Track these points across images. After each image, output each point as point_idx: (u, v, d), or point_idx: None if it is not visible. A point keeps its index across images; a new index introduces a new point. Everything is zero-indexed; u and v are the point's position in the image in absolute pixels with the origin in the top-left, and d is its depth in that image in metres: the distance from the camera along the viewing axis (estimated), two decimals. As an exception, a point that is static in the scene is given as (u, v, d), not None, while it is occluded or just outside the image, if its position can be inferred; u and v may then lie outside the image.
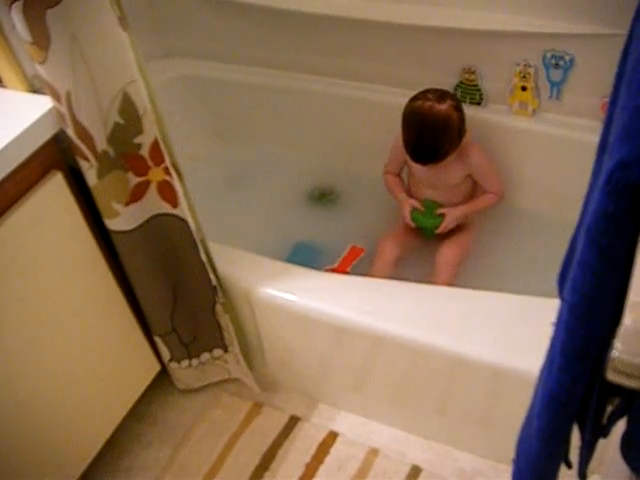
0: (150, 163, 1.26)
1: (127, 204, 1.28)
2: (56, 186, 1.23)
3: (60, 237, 1.27)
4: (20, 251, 1.19)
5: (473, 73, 1.76)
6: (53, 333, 1.31)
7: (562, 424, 0.72)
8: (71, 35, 1.06)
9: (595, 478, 1.25)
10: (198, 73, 2.17)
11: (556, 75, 1.66)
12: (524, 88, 1.71)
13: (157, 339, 1.55)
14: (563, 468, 0.81)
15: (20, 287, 1.21)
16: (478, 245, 1.84)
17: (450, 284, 1.72)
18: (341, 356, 1.51)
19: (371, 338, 1.40)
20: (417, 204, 1.80)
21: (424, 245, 1.85)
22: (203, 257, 1.41)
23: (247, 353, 1.62)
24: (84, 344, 1.40)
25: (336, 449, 1.57)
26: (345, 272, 1.80)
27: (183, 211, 1.34)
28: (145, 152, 1.24)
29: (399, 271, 1.79)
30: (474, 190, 1.83)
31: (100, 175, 1.23)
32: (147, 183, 1.28)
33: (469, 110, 1.71)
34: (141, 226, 1.33)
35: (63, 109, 1.14)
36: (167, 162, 1.28)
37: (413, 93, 1.69)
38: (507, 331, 1.29)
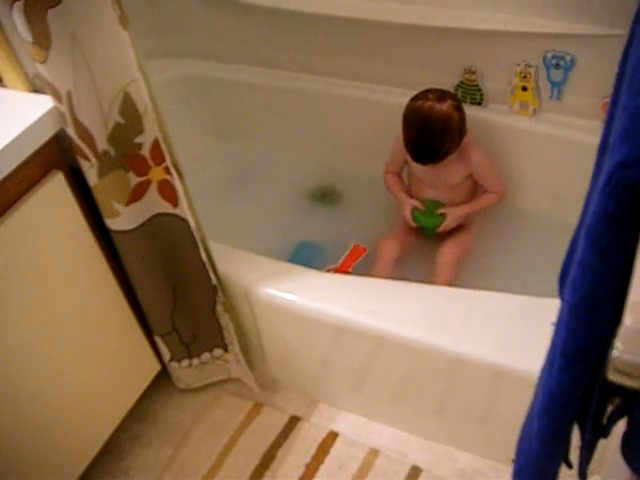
0: (151, 163, 1.26)
1: (128, 204, 1.28)
2: (57, 186, 1.23)
3: (61, 237, 1.27)
4: (20, 250, 1.19)
5: (474, 73, 1.76)
6: (53, 333, 1.31)
7: (562, 424, 0.72)
8: (72, 35, 1.06)
9: (595, 478, 1.25)
10: (198, 73, 2.17)
11: (557, 75, 1.66)
12: (525, 88, 1.71)
13: (157, 339, 1.55)
14: (563, 468, 0.81)
15: (20, 286, 1.21)
16: (478, 245, 1.84)
17: (450, 284, 1.72)
18: (341, 356, 1.51)
19: (371, 338, 1.40)
20: (418, 204, 1.80)
21: (424, 245, 1.85)
22: (203, 257, 1.41)
23: (247, 353, 1.62)
24: (84, 343, 1.40)
25: (336, 449, 1.57)
26: (347, 272, 1.80)
27: (183, 211, 1.34)
28: (146, 152, 1.24)
29: (399, 271, 1.79)
30: (475, 190, 1.83)
31: (101, 175, 1.23)
32: (148, 183, 1.28)
33: (470, 110, 1.71)
34: (142, 226, 1.33)
35: (64, 109, 1.14)
36: (168, 162, 1.28)
37: (414, 93, 1.69)
38: (507, 331, 1.29)
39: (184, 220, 1.35)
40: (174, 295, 1.47)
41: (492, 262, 1.80)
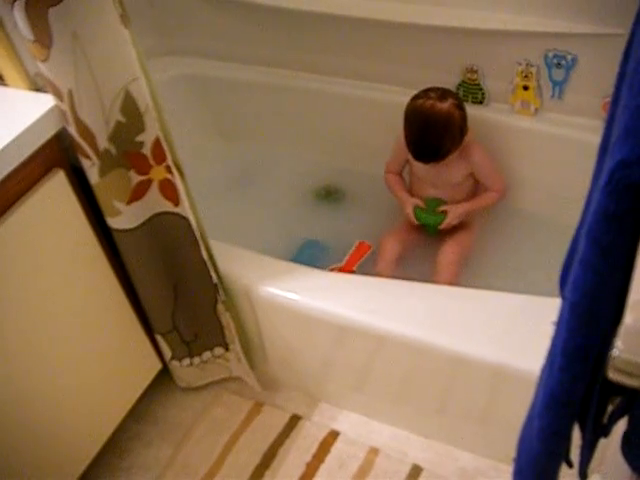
0: (152, 161, 1.26)
1: (129, 202, 1.28)
2: (58, 184, 1.23)
3: (62, 235, 1.27)
4: (21, 249, 1.19)
5: (475, 72, 1.76)
6: (54, 331, 1.31)
7: (563, 423, 0.72)
8: (73, 33, 1.06)
9: (596, 477, 1.25)
10: (200, 71, 2.17)
11: (558, 74, 1.66)
12: (526, 87, 1.71)
13: (158, 337, 1.55)
14: (564, 467, 0.81)
15: (21, 285, 1.21)
16: (480, 244, 1.84)
17: (451, 283, 1.72)
18: (342, 355, 1.51)
19: (372, 337, 1.40)
20: (419, 202, 1.80)
21: (426, 243, 1.85)
22: (204, 255, 1.41)
23: (248, 351, 1.62)
24: (85, 342, 1.40)
25: (337, 448, 1.57)
26: (351, 271, 1.80)
27: (184, 209, 1.34)
28: (147, 150, 1.24)
29: (401, 270, 1.79)
30: (476, 189, 1.83)
31: (102, 173, 1.23)
32: (149, 181, 1.28)
33: (471, 109, 1.71)
34: (143, 224, 1.33)
35: (65, 107, 1.14)
36: (169, 160, 1.28)
37: (415, 92, 1.69)
38: (508, 330, 1.29)
39: (185, 219, 1.35)
40: (175, 294, 1.47)
41: (493, 261, 1.80)
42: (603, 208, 0.54)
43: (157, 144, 1.24)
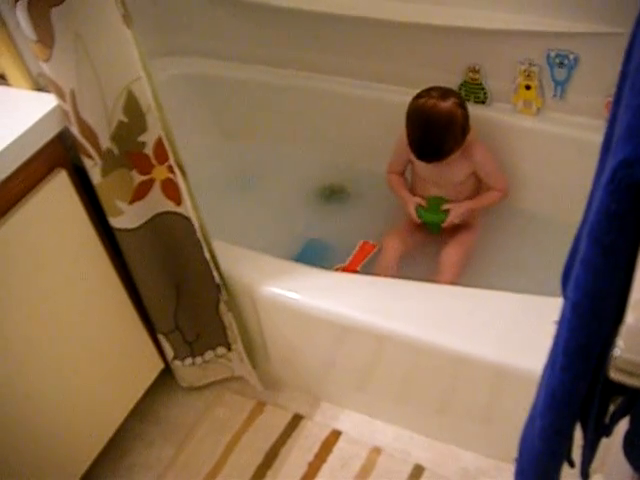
0: (154, 161, 1.26)
1: (131, 202, 1.28)
2: (60, 184, 1.23)
3: (64, 235, 1.28)
4: (24, 249, 1.19)
5: (477, 72, 1.76)
6: (56, 331, 1.31)
7: (564, 423, 0.72)
8: (75, 33, 1.06)
9: (598, 477, 1.25)
10: (202, 71, 2.17)
11: (560, 74, 1.65)
12: (528, 87, 1.71)
13: (160, 337, 1.55)
14: (565, 467, 0.81)
15: (23, 285, 1.21)
16: (482, 244, 1.84)
17: (454, 283, 1.72)
18: (345, 355, 1.51)
19: (374, 337, 1.40)
20: (421, 201, 1.80)
21: (428, 243, 1.85)
22: (207, 255, 1.41)
23: (250, 351, 1.62)
24: (87, 342, 1.40)
25: (339, 448, 1.57)
26: (355, 270, 1.80)
27: (187, 209, 1.34)
28: (149, 150, 1.24)
29: (403, 269, 1.79)
30: (478, 188, 1.83)
31: (104, 173, 1.23)
32: (151, 181, 1.29)
33: (473, 109, 1.71)
34: (145, 224, 1.33)
35: (67, 107, 1.14)
36: (171, 160, 1.28)
37: (417, 92, 1.69)
38: (510, 330, 1.29)
39: (187, 219, 1.35)
40: (177, 293, 1.47)
41: (495, 261, 1.80)
42: (605, 207, 0.54)
43: (159, 144, 1.25)
